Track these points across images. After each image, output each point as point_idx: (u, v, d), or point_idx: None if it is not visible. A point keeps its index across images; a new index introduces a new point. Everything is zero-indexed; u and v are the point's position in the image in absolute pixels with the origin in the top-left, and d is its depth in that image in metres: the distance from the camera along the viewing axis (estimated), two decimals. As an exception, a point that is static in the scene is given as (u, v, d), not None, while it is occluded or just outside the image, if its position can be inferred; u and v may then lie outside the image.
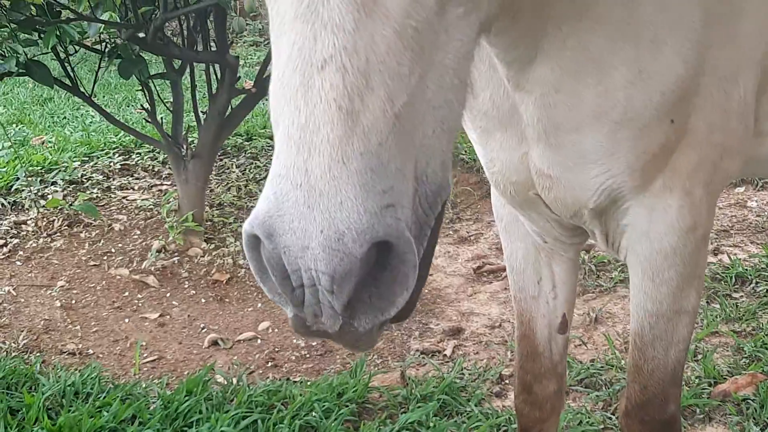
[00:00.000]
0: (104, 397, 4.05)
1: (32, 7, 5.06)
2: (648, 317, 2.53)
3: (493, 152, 2.44)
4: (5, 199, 6.18)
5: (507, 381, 4.37)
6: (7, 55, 5.19)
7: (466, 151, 7.11)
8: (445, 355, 4.71)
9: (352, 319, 1.37)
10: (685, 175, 2.31)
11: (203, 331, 5.00)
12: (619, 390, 4.18)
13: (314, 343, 4.84)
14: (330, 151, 1.30)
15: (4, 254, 5.60)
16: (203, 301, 5.30)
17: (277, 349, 4.81)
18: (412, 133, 1.39)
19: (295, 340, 4.87)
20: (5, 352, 4.53)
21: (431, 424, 3.93)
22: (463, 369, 4.46)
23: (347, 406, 4.05)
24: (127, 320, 5.05)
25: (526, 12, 2.01)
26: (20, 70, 5.16)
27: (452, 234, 6.16)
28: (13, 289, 5.21)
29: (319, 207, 1.30)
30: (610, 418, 4.00)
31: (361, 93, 1.33)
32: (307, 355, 4.76)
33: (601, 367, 4.40)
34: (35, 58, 5.31)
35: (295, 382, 4.40)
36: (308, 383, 4.29)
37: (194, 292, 5.39)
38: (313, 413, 3.97)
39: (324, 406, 4.01)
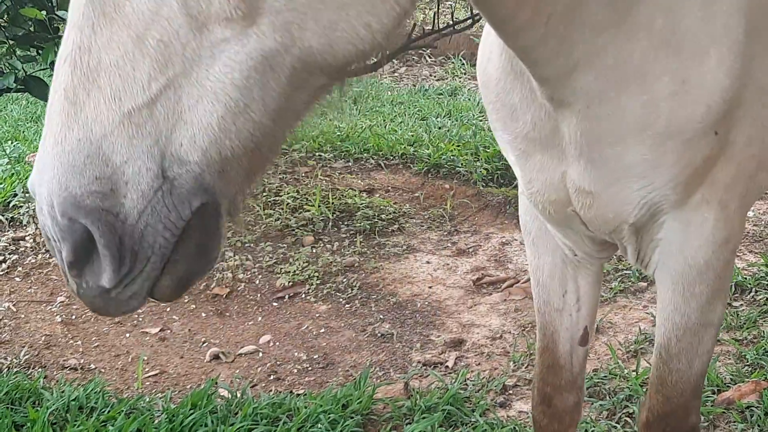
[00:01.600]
0: (108, 412, 4.04)
1: (31, 23, 5.08)
2: (675, 330, 2.54)
3: (532, 173, 2.47)
4: (3, 216, 6.17)
5: (511, 391, 4.39)
6: (5, 71, 5.20)
7: (462, 164, 7.14)
8: (447, 366, 4.72)
9: (78, 278, 1.54)
10: (722, 188, 2.32)
11: (204, 345, 4.99)
12: (623, 399, 4.19)
13: (315, 356, 4.84)
14: (55, 133, 1.48)
15: (3, 270, 5.59)
16: (203, 315, 5.30)
17: (278, 363, 4.81)
18: (156, 136, 1.48)
19: (296, 353, 4.88)
20: (7, 368, 4.52)
21: (437, 435, 3.94)
22: (467, 380, 4.47)
23: (352, 417, 4.06)
24: (127, 335, 5.04)
25: (559, 18, 2.01)
26: (18, 86, 5.16)
27: (450, 246, 6.17)
28: (13, 305, 5.20)
29: (45, 177, 1.49)
30: (615, 428, 4.02)
31: (87, 88, 1.48)
32: (309, 368, 4.76)
33: (605, 376, 4.41)
34: (34, 74, 5.31)
35: (298, 394, 4.40)
36: (312, 395, 4.29)
37: (194, 306, 5.39)
38: (319, 425, 3.97)
39: (329, 418, 4.02)
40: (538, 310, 2.95)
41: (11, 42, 5.10)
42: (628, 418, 4.08)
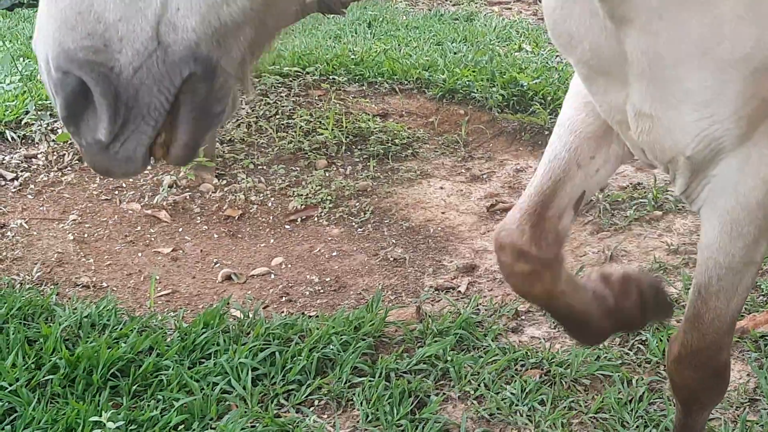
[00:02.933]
0: (121, 329, 4.05)
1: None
2: (717, 269, 2.49)
3: (597, 95, 2.43)
4: (15, 133, 6.13)
5: (523, 317, 4.38)
6: (17, -15, 5.12)
7: (478, 90, 7.06)
8: (460, 291, 4.71)
9: (77, 134, 1.57)
10: None
11: (216, 265, 4.98)
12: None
13: (327, 279, 4.83)
14: None
15: (15, 188, 5.57)
16: (215, 236, 5.29)
17: (290, 285, 4.81)
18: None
19: (308, 276, 4.87)
20: (20, 284, 4.52)
21: (448, 358, 3.94)
22: (479, 305, 4.46)
23: (364, 339, 4.06)
24: (140, 254, 5.03)
25: None
26: (30, 1, 5.09)
27: (464, 172, 6.12)
28: (25, 223, 5.19)
29: (41, 35, 1.53)
30: (627, 354, 4.01)
31: None
32: (321, 291, 4.75)
33: (617, 304, 4.38)
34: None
35: (310, 316, 4.40)
36: (324, 317, 4.29)
37: (206, 227, 5.37)
38: (331, 346, 3.97)
39: (341, 339, 4.02)
40: (557, 153, 2.74)
41: (22, -45, 5.02)
42: (641, 345, 4.07)
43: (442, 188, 5.91)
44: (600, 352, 3.99)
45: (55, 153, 5.95)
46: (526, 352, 4.00)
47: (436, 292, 4.70)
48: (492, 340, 4.10)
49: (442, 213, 5.60)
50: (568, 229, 2.82)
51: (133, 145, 1.57)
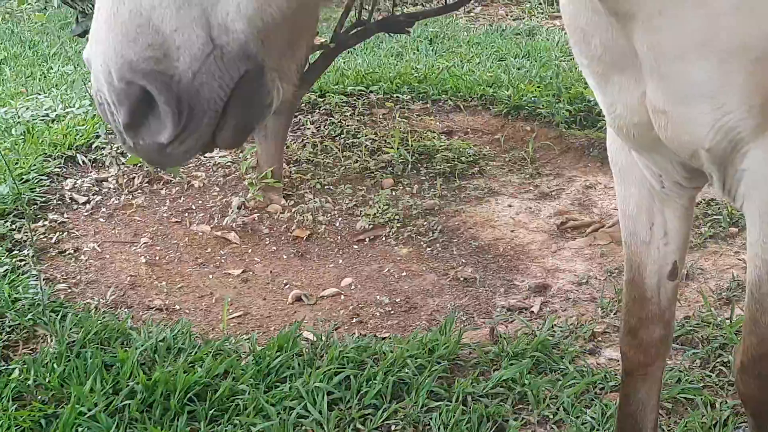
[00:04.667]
0: (196, 353, 4.06)
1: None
2: (765, 267, 2.45)
3: (612, 96, 2.43)
4: (86, 157, 6.21)
5: (600, 338, 4.31)
6: (88, 12, 5.18)
7: (544, 106, 7.00)
8: (533, 311, 4.65)
9: (135, 137, 1.64)
10: None
11: (286, 287, 4.98)
12: (717, 347, 4.09)
13: (398, 300, 4.81)
14: (108, 7, 1.58)
15: (87, 211, 5.63)
16: (285, 257, 5.29)
17: (360, 306, 4.79)
18: (202, 5, 1.58)
19: (378, 297, 4.84)
20: (95, 308, 4.56)
21: (525, 382, 3.89)
22: (554, 326, 4.40)
23: (439, 363, 4.02)
24: (210, 276, 5.05)
25: None
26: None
27: (533, 189, 6.07)
28: (98, 246, 5.24)
29: (100, 47, 1.59)
30: (710, 376, 3.93)
31: None
32: (392, 312, 4.73)
33: (697, 324, 4.31)
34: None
35: (383, 338, 4.37)
36: (398, 339, 4.26)
37: (275, 248, 5.38)
38: (406, 369, 3.94)
39: (416, 362, 3.98)
40: (625, 242, 2.91)
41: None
42: (722, 368, 3.98)
43: (510, 206, 5.86)
44: (681, 374, 3.90)
45: (125, 176, 6.01)
46: (605, 375, 3.93)
47: (509, 312, 4.65)
48: (569, 363, 4.04)
49: (512, 231, 5.55)
50: (673, 301, 2.97)
51: (192, 142, 1.66)
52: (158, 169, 5.71)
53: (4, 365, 3.95)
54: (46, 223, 5.39)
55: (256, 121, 1.75)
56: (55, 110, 6.91)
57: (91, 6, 5.14)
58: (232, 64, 1.62)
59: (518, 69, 8.21)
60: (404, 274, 5.10)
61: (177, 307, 4.72)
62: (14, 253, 4.97)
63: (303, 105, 7.15)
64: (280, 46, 1.69)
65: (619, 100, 2.40)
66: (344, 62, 8.28)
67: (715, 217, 5.39)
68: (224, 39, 1.60)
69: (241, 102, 1.67)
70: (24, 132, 6.46)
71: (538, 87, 7.37)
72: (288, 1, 1.63)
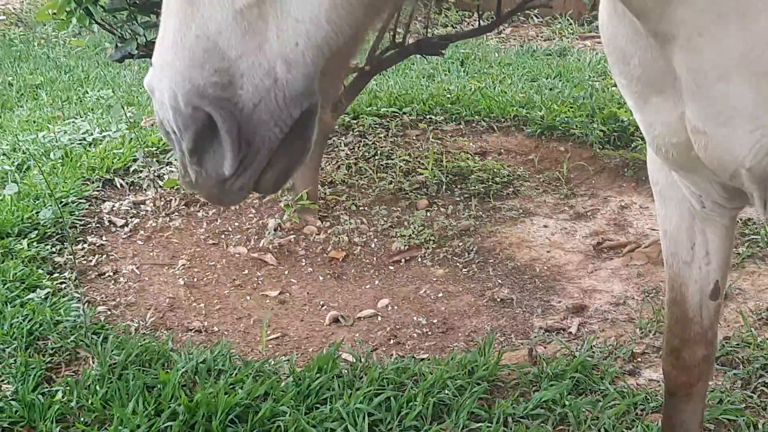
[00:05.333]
0: (236, 375, 4.08)
1: (151, -10, 5.10)
2: None
3: (651, 116, 2.42)
4: (124, 180, 6.27)
5: (639, 359, 4.30)
6: (127, 37, 5.25)
7: (577, 126, 7.00)
8: (571, 332, 4.64)
9: (199, 166, 1.65)
10: None
11: (323, 308, 5.00)
12: (758, 368, 4.07)
13: (435, 321, 4.81)
14: (175, 29, 1.58)
15: (126, 234, 5.68)
16: (321, 278, 5.31)
17: (398, 327, 4.80)
18: (266, 33, 1.57)
19: (415, 318, 4.85)
20: (135, 330, 4.60)
21: (566, 403, 3.88)
22: (593, 347, 4.39)
23: (479, 384, 4.02)
24: (248, 298, 5.08)
25: None
26: (140, 53, 5.21)
27: (568, 210, 6.06)
28: (137, 268, 5.29)
29: (166, 72, 1.59)
30: (751, 397, 3.90)
31: None
32: (429, 333, 4.74)
33: (737, 344, 4.29)
34: (155, 40, 5.34)
35: (422, 359, 4.37)
36: (437, 361, 4.27)
37: (311, 269, 5.40)
38: (446, 391, 3.94)
39: (456, 384, 3.99)
40: (666, 261, 2.91)
41: (132, 8, 5.14)
42: (764, 388, 3.96)
43: (545, 226, 5.86)
44: (723, 395, 3.88)
45: (162, 199, 6.06)
46: (646, 396, 3.92)
47: (547, 333, 4.65)
48: (609, 384, 4.03)
49: (548, 252, 5.54)
50: (715, 321, 2.97)
51: (247, 178, 1.65)
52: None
53: (47, 387, 3.99)
54: (86, 245, 5.45)
55: (301, 162, 1.73)
56: (92, 134, 6.98)
57: (129, 32, 5.21)
58: (293, 102, 1.60)
59: (550, 89, 8.21)
60: (441, 295, 5.11)
61: (216, 328, 4.75)
62: (55, 275, 5.02)
63: (337, 127, 7.18)
64: (330, 78, 1.68)
65: (658, 120, 2.40)
66: (377, 84, 8.32)
67: (752, 237, 5.37)
68: (291, 72, 1.59)
69: (293, 142, 1.66)
70: (62, 156, 6.53)
71: (571, 107, 7.37)
72: (349, 26, 1.61)
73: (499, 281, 5.21)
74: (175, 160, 1.70)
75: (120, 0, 5.06)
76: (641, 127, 2.54)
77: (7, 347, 4.25)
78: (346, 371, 4.15)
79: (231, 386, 3.98)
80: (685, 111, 2.27)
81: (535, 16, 11.93)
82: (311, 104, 1.63)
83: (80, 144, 6.84)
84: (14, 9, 13.36)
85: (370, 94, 7.89)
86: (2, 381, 4.07)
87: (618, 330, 4.59)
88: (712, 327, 2.96)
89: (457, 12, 12.01)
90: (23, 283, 4.80)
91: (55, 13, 5.14)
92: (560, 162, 6.66)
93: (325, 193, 6.21)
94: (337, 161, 6.72)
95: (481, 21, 7.46)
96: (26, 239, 5.28)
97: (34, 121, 7.65)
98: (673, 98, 2.29)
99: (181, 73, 1.57)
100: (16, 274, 4.85)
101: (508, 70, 9.27)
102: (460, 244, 5.62)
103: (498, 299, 5.01)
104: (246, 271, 5.35)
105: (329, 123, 5.83)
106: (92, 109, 7.96)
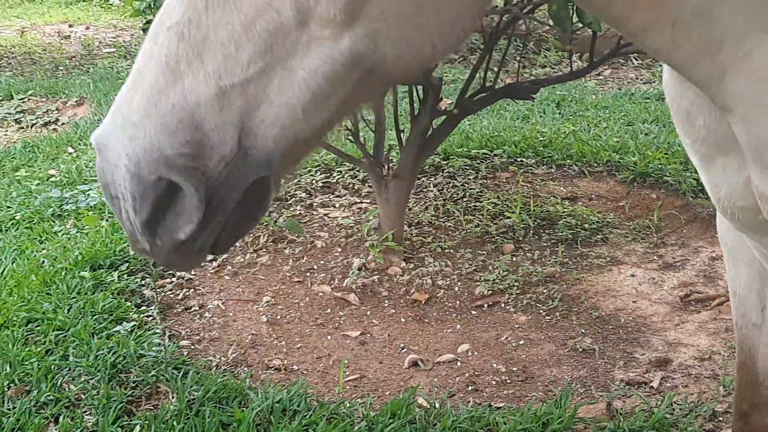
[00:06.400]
0: (310, 416, 4.11)
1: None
2: None
3: (716, 178, 2.39)
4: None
5: (720, 418, 4.19)
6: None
7: (671, 174, 6.89)
8: (652, 387, 4.55)
9: (152, 236, 1.68)
10: None
11: (403, 350, 5.01)
12: None
13: (514, 369, 4.77)
14: (149, 94, 1.60)
15: (213, 269, 5.80)
16: (402, 320, 5.32)
17: (477, 373, 4.77)
18: (243, 111, 1.64)
19: (495, 365, 4.82)
20: (216, 366, 4.68)
21: (641, 461, 3.80)
22: (673, 403, 4.30)
23: (553, 437, 3.98)
24: (329, 337, 5.12)
25: (689, 24, 1.92)
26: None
27: (657, 260, 5.96)
28: (222, 303, 5.38)
29: (129, 134, 1.60)
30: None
31: (189, 60, 1.62)
32: (508, 381, 4.70)
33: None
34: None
35: (497, 408, 4.34)
36: (512, 410, 4.23)
37: (394, 311, 5.42)
38: (519, 443, 3.91)
39: (529, 435, 3.95)
40: (735, 324, 2.87)
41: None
42: None
43: (633, 276, 5.77)
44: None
45: (251, 234, 6.16)
46: (725, 458, 3.82)
47: (627, 386, 4.56)
48: (687, 443, 3.94)
49: (634, 302, 5.45)
50: None
51: (202, 241, 1.71)
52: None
53: (126, 420, 4.09)
54: (174, 279, 5.57)
55: (252, 226, 1.82)
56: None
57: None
58: (251, 168, 1.68)
59: (646, 134, 8.11)
60: (522, 342, 5.06)
61: (295, 367, 4.80)
62: (143, 308, 5.15)
63: (426, 167, 7.22)
64: (292, 161, 1.78)
65: (724, 182, 2.36)
66: (469, 125, 8.33)
67: None
68: (251, 142, 1.66)
69: (247, 206, 1.72)
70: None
71: (666, 154, 7.26)
72: (322, 121, 1.71)
73: (582, 330, 5.15)
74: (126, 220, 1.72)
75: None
76: (707, 188, 2.50)
77: (91, 378, 4.37)
78: (420, 417, 4.15)
79: (305, 428, 4.02)
80: (750, 175, 2.23)
81: (635, 58, 11.80)
82: (264, 176, 1.71)
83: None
84: (124, 42, 13.80)
85: (462, 134, 7.91)
86: (85, 411, 4.18)
87: (701, 386, 4.49)
88: None
89: (556, 53, 11.97)
90: (111, 315, 4.94)
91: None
92: (651, 210, 6.56)
93: (411, 234, 6.23)
94: (425, 202, 6.74)
95: (579, 63, 7.41)
96: (117, 271, 5.43)
97: (134, 154, 7.86)
98: (738, 161, 2.25)
99: (150, 139, 1.60)
100: (104, 306, 4.99)
101: (604, 113, 9.19)
102: (545, 290, 5.57)
103: (580, 349, 4.95)
104: (328, 310, 5.39)
105: (414, 162, 5.86)
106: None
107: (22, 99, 10.27)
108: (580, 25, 5.25)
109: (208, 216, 1.67)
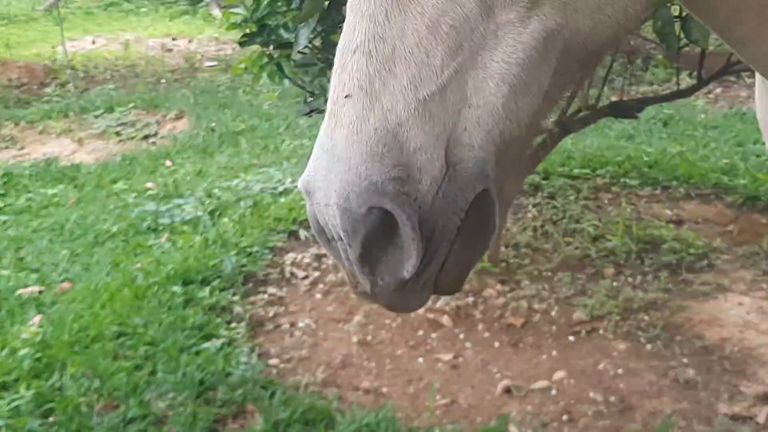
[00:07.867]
0: (397, 441, 4.01)
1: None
2: None
3: None
4: (308, 232, 6.36)
5: (832, 461, 3.93)
6: (316, 92, 5.33)
7: (782, 197, 6.61)
8: (758, 422, 4.31)
9: (372, 275, 1.52)
10: None
11: (496, 376, 4.86)
12: None
13: (612, 399, 4.58)
14: (349, 123, 1.48)
15: (305, 286, 5.74)
16: (497, 344, 5.18)
17: (572, 402, 4.59)
18: (444, 121, 1.50)
19: (591, 394, 4.63)
20: (304, 386, 4.61)
21: (745, 504, 3.59)
22: (781, 442, 4.06)
23: (650, 474, 3.78)
24: (420, 360, 5.00)
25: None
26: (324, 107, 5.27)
27: (766, 288, 5.69)
28: (313, 322, 5.32)
29: (336, 170, 1.48)
30: None
31: (383, 77, 1.49)
32: (605, 411, 4.51)
33: None
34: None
35: (592, 441, 4.17)
36: (607, 444, 4.05)
37: (488, 334, 5.28)
38: (613, 479, 3.73)
39: (625, 472, 3.76)
40: None
41: (323, 64, 5.22)
42: None
43: (740, 304, 5.51)
44: None
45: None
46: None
47: (731, 421, 4.33)
48: (796, 487, 3.71)
49: (740, 332, 5.20)
50: None
51: (428, 276, 1.55)
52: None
53: (211, 439, 4.05)
54: (266, 296, 5.54)
55: (480, 255, 1.62)
56: (283, 183, 7.15)
57: (318, 86, 5.29)
58: (467, 184, 1.53)
59: (757, 156, 7.80)
60: (621, 371, 4.86)
61: (384, 389, 4.70)
62: (233, 325, 5.12)
63: (526, 187, 7.06)
64: (508, 165, 1.62)
65: None
66: (572, 143, 8.14)
67: None
68: (458, 155, 1.52)
69: (470, 231, 1.56)
70: (252, 204, 6.70)
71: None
72: (528, 113, 1.58)
73: (685, 361, 4.92)
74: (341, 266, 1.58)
75: (311, 56, 5.15)
76: None
77: (179, 395, 4.34)
78: (510, 447, 4.00)
79: (391, 453, 3.91)
80: None
81: (747, 76, 11.40)
82: (485, 187, 1.55)
83: (271, 193, 7.00)
84: (226, 55, 13.97)
85: (563, 153, 7.73)
86: (171, 428, 4.15)
87: (812, 425, 4.23)
88: None
89: (664, 70, 11.65)
90: (201, 331, 4.92)
91: (247, 68, 5.28)
92: (761, 235, 6.27)
93: (508, 256, 6.08)
94: (524, 223, 6.58)
95: (688, 80, 7.17)
96: (209, 287, 5.42)
97: (232, 168, 7.92)
98: None
99: (356, 169, 1.47)
100: (194, 322, 4.97)
101: (713, 133, 8.89)
102: (646, 317, 5.35)
103: (682, 380, 4.73)
104: (420, 332, 5.28)
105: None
106: (288, 158, 8.16)
107: (123, 111, 10.47)
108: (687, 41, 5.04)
109: (431, 248, 1.52)
